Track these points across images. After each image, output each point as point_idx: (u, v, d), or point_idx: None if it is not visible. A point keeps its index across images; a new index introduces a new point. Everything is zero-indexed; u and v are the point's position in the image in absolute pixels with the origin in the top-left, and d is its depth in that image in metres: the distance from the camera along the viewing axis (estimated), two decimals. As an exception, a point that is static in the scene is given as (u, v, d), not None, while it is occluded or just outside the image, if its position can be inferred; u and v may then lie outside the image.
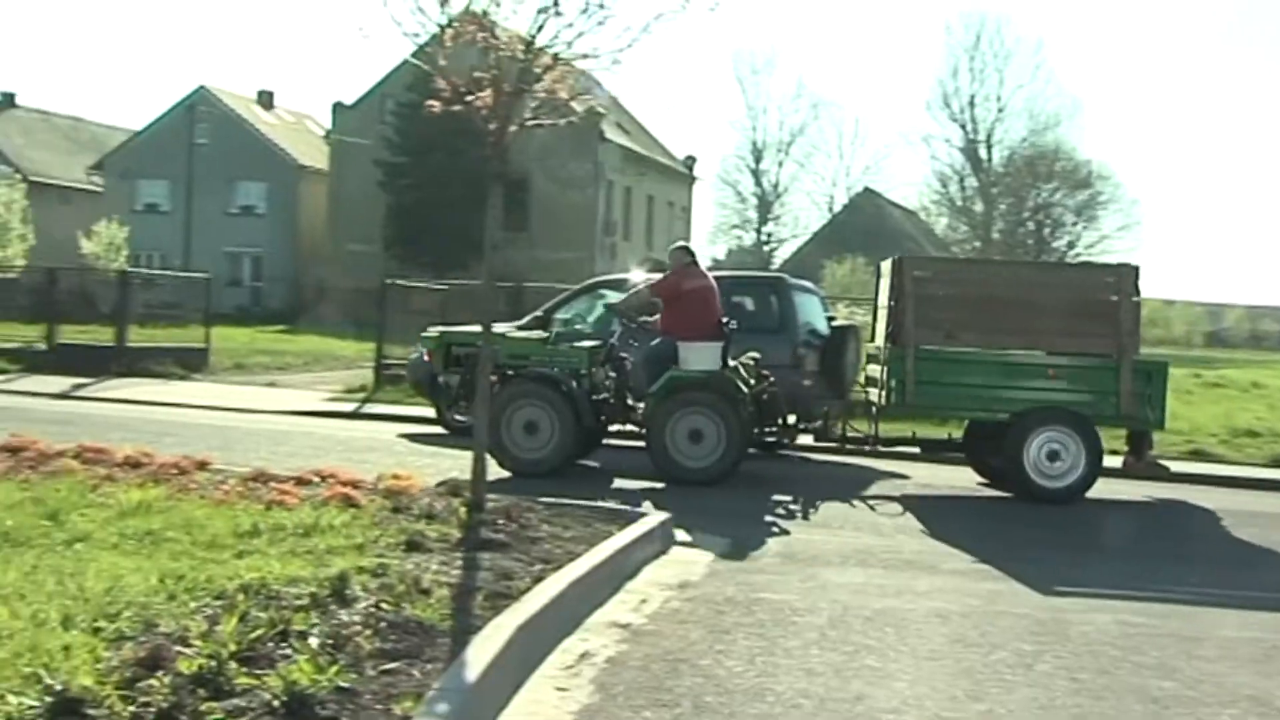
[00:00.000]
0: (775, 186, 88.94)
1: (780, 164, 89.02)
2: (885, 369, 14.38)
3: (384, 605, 6.95)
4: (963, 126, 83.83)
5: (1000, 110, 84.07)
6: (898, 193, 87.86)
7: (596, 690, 6.58)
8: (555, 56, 9.78)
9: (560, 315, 17.51)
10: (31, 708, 5.07)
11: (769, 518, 12.88)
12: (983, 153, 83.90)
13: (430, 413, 16.71)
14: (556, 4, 9.42)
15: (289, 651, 6.08)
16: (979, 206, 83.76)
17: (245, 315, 48.52)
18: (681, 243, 15.79)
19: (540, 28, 9.52)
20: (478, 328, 11.81)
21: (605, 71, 10.41)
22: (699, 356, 14.20)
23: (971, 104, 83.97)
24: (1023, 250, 76.96)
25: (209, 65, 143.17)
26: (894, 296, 14.30)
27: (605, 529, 10.07)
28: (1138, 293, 14.46)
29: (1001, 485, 14.77)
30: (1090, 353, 14.21)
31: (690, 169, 79.70)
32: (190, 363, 28.98)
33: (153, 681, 5.43)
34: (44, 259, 48.18)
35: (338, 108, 62.68)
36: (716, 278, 15.27)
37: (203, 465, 11.90)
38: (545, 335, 15.51)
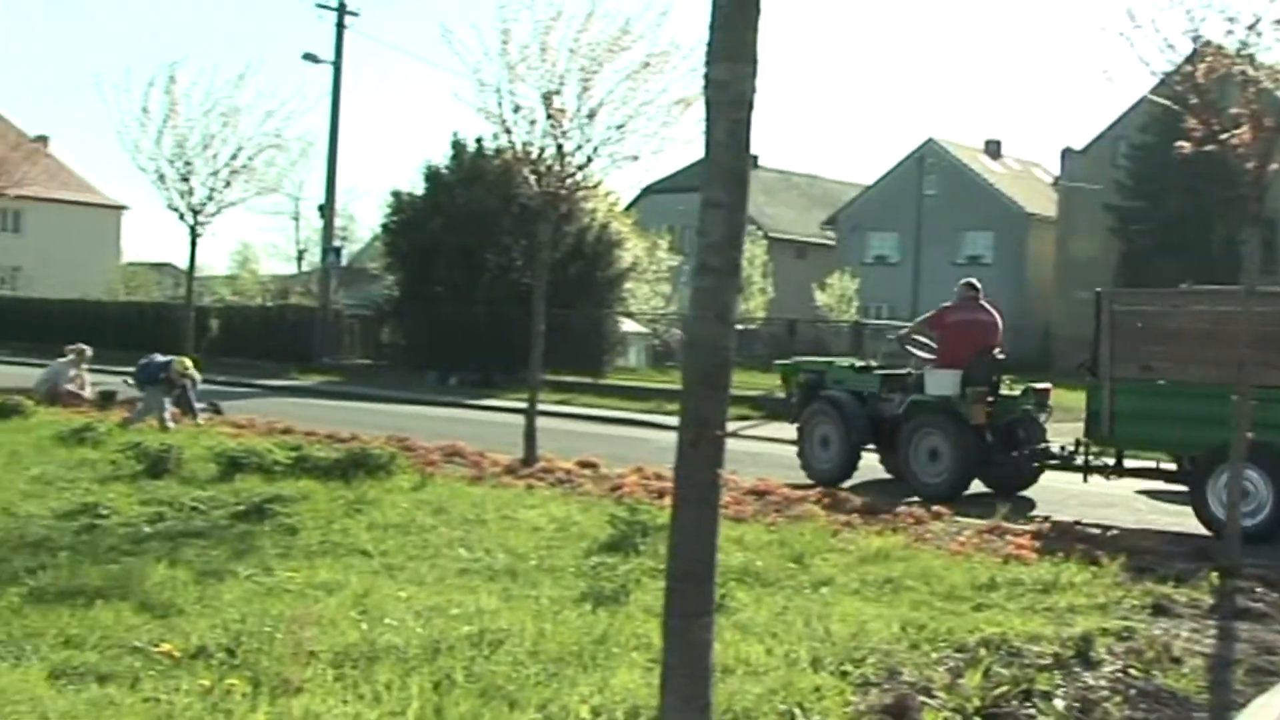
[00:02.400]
0: None
1: None
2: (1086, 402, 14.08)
3: (1132, 671, 6.62)
4: None
5: None
6: None
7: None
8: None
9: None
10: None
11: None
12: None
13: (1172, 466, 15.78)
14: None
15: (1033, 711, 5.92)
16: None
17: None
18: (967, 279, 16.50)
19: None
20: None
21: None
22: (937, 382, 15.07)
23: None
24: None
25: (937, 117, 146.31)
26: (1095, 328, 13.95)
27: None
28: None
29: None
30: None
31: None
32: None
33: (900, 731, 5.47)
34: (781, 311, 51.05)
35: (1066, 153, 61.72)
36: None
37: (938, 515, 11.99)
38: (865, 363, 17.00)
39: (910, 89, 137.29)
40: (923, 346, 16.01)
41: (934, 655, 6.83)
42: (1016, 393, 15.52)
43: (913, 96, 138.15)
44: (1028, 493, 15.31)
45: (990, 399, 15.00)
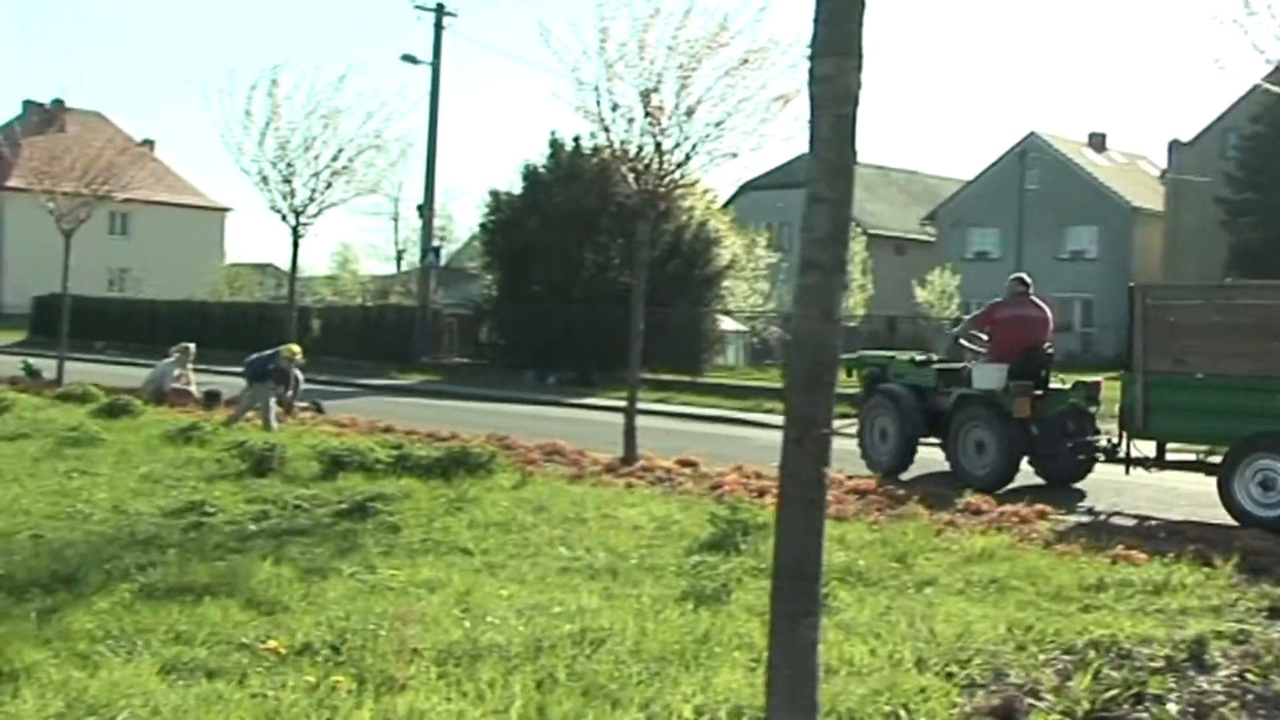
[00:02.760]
0: None
1: None
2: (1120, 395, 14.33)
3: (1249, 675, 6.45)
4: None
5: None
6: None
7: None
8: None
9: None
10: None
11: None
12: None
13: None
14: None
15: (1145, 716, 5.80)
16: None
17: (1074, 361, 48.00)
18: (1017, 274, 16.91)
19: None
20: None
21: None
22: (983, 376, 15.37)
23: None
24: None
25: (1039, 111, 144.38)
26: (1128, 323, 14.19)
27: None
28: None
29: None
30: None
31: None
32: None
33: (1006, 734, 5.38)
34: (881, 308, 50.68)
35: (1174, 145, 60.67)
36: None
37: (1043, 514, 11.83)
38: (926, 357, 17.38)
39: (1011, 82, 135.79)
40: (978, 341, 16.30)
41: (1041, 657, 6.72)
42: (1066, 386, 15.76)
43: (1014, 90, 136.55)
44: (1081, 484, 15.45)
45: (1038, 393, 15.23)
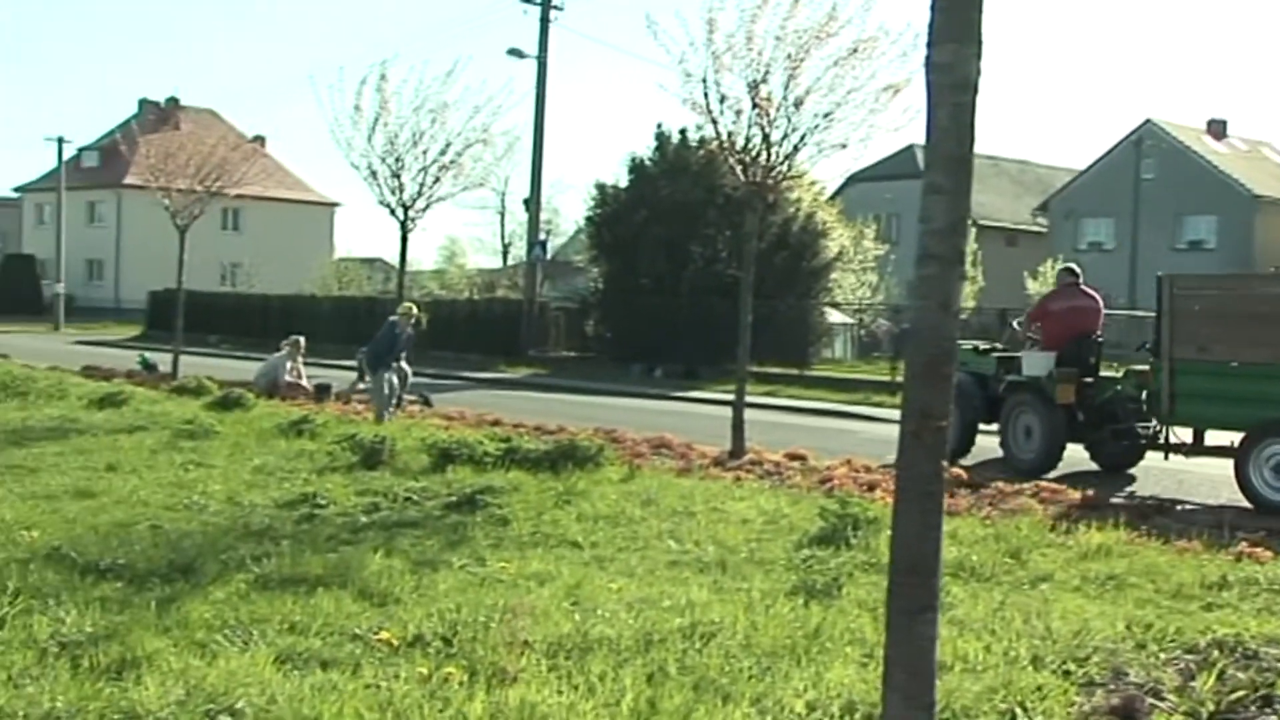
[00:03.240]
0: None
1: None
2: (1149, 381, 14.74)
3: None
4: None
5: None
6: None
7: None
8: None
9: None
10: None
11: None
12: None
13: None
14: None
15: (1272, 718, 5.63)
16: None
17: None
18: (1066, 264, 17.48)
19: None
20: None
21: None
22: (1031, 364, 15.85)
23: None
24: None
25: (1156, 98, 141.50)
26: (1157, 312, 14.48)
27: None
28: None
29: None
30: None
31: None
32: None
33: (1127, 734, 5.26)
34: (992, 301, 49.96)
35: (1296, 132, 59.38)
36: None
37: (1162, 509, 11.62)
38: (990, 345, 17.80)
39: (1127, 69, 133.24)
40: (1024, 333, 16.83)
41: (1162, 656, 6.55)
42: (1118, 374, 16.14)
43: (1129, 77, 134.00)
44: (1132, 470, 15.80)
45: (1087, 380, 15.72)
